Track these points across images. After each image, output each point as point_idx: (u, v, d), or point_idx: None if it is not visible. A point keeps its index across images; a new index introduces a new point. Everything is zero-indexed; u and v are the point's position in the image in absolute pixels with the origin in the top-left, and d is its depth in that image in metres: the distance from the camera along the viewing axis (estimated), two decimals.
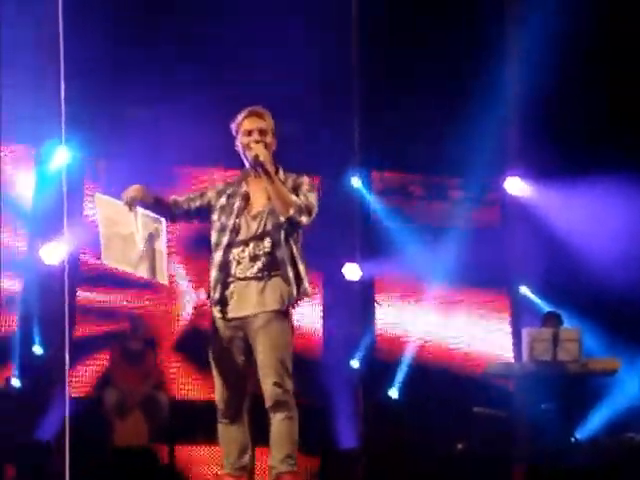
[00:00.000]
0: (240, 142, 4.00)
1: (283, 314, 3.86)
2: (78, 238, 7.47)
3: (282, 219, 3.85)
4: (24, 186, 8.15)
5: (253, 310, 3.84)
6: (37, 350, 7.64)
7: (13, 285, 7.87)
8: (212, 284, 3.92)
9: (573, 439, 6.45)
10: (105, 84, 7.69)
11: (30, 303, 7.71)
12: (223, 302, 3.89)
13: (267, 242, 3.88)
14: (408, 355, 8.72)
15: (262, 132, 3.97)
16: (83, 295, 8.06)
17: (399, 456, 6.31)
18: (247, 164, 4.02)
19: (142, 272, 3.93)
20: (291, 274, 3.86)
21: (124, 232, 3.88)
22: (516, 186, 9.18)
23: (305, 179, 4.02)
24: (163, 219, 3.96)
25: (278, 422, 3.80)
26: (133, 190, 3.90)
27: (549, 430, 6.61)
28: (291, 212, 3.83)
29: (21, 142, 8.18)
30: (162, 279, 3.94)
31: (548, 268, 8.69)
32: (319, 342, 8.80)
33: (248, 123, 3.98)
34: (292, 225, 3.86)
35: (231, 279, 3.89)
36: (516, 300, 8.97)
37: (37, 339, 7.65)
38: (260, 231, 3.89)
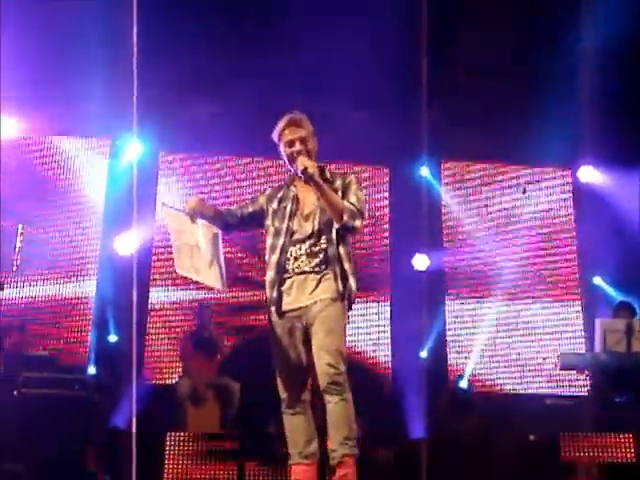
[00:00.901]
0: (283, 152, 4.11)
1: (339, 302, 3.94)
2: (151, 230, 7.64)
3: (337, 226, 3.96)
4: (99, 179, 8.35)
5: (311, 299, 3.94)
6: (112, 338, 7.84)
7: (89, 277, 8.11)
8: (269, 284, 4.03)
9: None
10: (180, 79, 7.80)
11: (105, 293, 7.90)
12: (281, 297, 3.99)
13: (323, 239, 3.99)
14: (479, 346, 8.67)
15: (303, 141, 4.07)
16: (156, 285, 8.25)
17: (468, 448, 6.27)
18: (292, 169, 4.11)
19: (211, 281, 4.06)
20: (338, 271, 3.94)
21: (191, 242, 4.03)
22: (589, 175, 9.04)
23: (353, 178, 4.12)
24: (219, 230, 4.07)
25: (334, 405, 3.85)
26: (194, 202, 4.04)
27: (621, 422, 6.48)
28: (345, 219, 3.95)
29: (96, 135, 8.37)
30: (224, 286, 4.06)
31: (622, 258, 8.52)
32: (388, 333, 8.80)
33: (288, 133, 4.08)
34: (346, 230, 3.97)
35: (288, 275, 3.99)
36: (589, 290, 8.83)
37: (112, 328, 7.85)
38: (316, 230, 4.00)
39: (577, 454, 6.03)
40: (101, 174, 8.35)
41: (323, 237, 3.98)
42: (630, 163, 8.52)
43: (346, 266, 3.97)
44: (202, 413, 7.21)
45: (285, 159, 4.13)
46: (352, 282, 3.97)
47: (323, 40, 7.18)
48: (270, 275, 4.02)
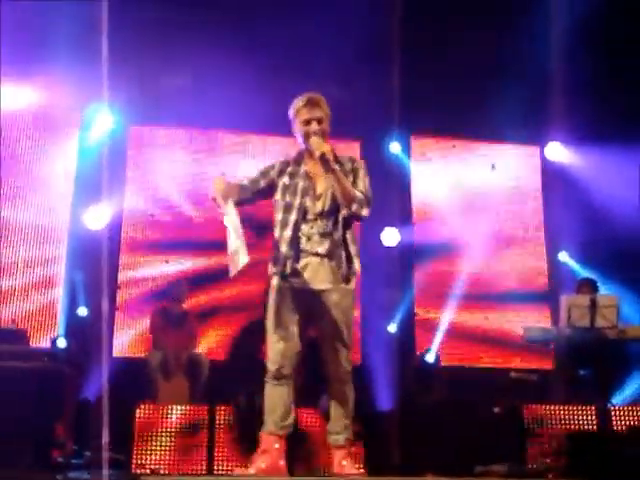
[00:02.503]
0: (298, 129, 4.12)
1: (352, 292, 4.07)
2: (120, 204, 7.61)
3: (344, 212, 4.00)
4: (69, 151, 8.29)
5: (329, 285, 4.01)
6: (82, 312, 7.83)
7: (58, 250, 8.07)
8: (282, 259, 4.04)
9: (609, 405, 6.45)
10: (150, 52, 7.76)
11: (75, 267, 7.88)
12: (295, 274, 4.03)
13: (332, 220, 4.04)
14: (445, 321, 8.77)
15: (320, 121, 4.08)
16: (126, 260, 8.22)
17: (435, 419, 6.37)
18: (304, 145, 4.13)
19: (243, 260, 3.94)
20: (344, 255, 4.02)
21: (234, 224, 3.95)
22: (557, 151, 9.14)
23: (361, 163, 4.16)
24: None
25: (345, 393, 4.08)
26: (223, 182, 4.00)
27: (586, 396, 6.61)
28: (354, 208, 3.99)
29: (68, 106, 8.30)
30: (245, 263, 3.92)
31: (587, 234, 8.64)
32: (357, 307, 8.87)
33: (306, 112, 4.09)
34: (355, 217, 4.03)
35: (303, 253, 4.03)
36: (555, 266, 8.96)
37: (82, 302, 7.83)
38: (326, 210, 4.04)
39: (540, 426, 6.16)
40: (72, 146, 8.29)
41: (332, 218, 4.04)
42: (598, 141, 8.61)
43: (351, 249, 4.05)
44: (172, 386, 7.26)
45: (299, 137, 4.14)
46: (356, 264, 4.06)
47: (295, 15, 7.19)
48: (284, 250, 4.03)
